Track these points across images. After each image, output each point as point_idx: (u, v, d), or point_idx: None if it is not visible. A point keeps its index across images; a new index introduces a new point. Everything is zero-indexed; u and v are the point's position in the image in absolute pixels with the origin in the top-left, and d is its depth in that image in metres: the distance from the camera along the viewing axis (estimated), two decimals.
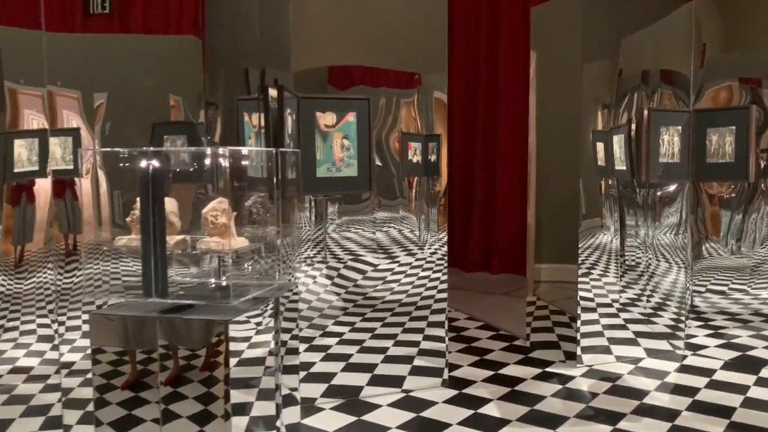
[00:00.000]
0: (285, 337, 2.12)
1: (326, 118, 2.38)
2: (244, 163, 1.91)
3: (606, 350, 3.07)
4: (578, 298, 3.03)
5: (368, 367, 2.78)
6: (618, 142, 3.08)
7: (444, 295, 2.84)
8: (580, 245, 3.07)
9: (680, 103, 3.10)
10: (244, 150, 2.02)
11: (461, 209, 5.53)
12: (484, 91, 5.36)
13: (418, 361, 2.82)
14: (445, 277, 2.85)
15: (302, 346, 2.80)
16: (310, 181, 2.37)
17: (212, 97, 2.34)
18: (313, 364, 2.75)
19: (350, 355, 2.80)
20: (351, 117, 2.42)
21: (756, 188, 2.98)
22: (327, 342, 2.83)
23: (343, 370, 2.75)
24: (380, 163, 2.62)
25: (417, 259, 2.82)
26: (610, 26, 3.24)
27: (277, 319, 2.00)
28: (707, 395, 2.59)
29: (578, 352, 3.00)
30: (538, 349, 3.24)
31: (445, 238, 2.84)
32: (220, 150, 1.79)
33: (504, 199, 5.23)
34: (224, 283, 1.88)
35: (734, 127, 2.87)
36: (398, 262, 2.81)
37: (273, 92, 2.06)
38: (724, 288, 3.33)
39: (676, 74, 3.14)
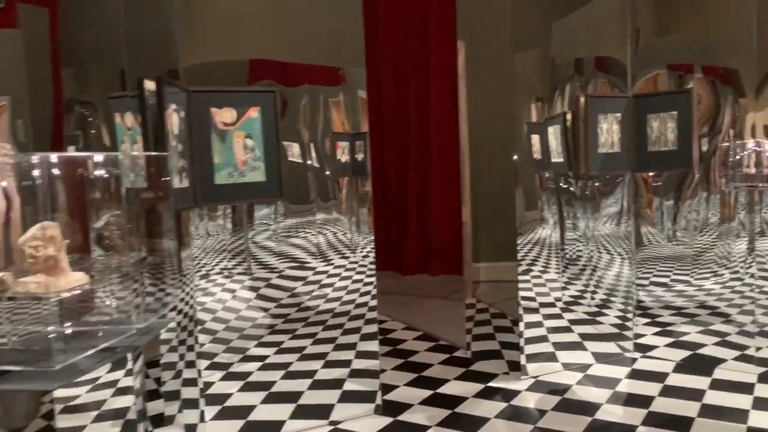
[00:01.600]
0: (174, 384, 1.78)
1: (224, 115, 2.05)
2: (103, 172, 1.55)
3: (551, 357, 2.84)
4: (519, 299, 2.80)
5: (293, 396, 2.46)
6: (554, 133, 2.88)
7: (375, 303, 2.56)
8: (519, 242, 2.85)
9: (616, 91, 2.90)
10: (103, 156, 1.65)
11: (397, 209, 5.26)
12: (416, 86, 5.10)
13: (350, 384, 2.52)
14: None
15: (217, 374, 2.48)
16: (207, 189, 2.02)
17: (84, 96, 1.97)
18: (229, 395, 2.42)
19: (273, 383, 2.49)
20: (254, 113, 2.09)
21: (693, 175, 2.82)
22: (247, 368, 2.51)
23: (264, 401, 2.43)
24: (317, 165, 2.40)
25: (350, 263, 2.55)
26: (540, 11, 3.04)
27: (136, 375, 1.63)
28: (662, 405, 2.38)
29: (522, 361, 2.76)
30: (480, 360, 2.98)
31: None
32: (54, 156, 1.41)
33: (441, 197, 4.97)
34: (68, 331, 1.49)
35: (676, 112, 2.68)
36: (332, 264, 2.53)
37: (150, 85, 1.71)
38: (666, 279, 3.17)
39: (611, 61, 2.95)
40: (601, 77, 2.94)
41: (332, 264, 2.59)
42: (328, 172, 2.48)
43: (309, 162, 2.42)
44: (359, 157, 2.47)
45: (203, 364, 2.49)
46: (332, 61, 2.41)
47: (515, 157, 2.85)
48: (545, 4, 3.06)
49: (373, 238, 2.55)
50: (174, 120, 1.83)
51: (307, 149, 2.39)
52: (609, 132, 2.75)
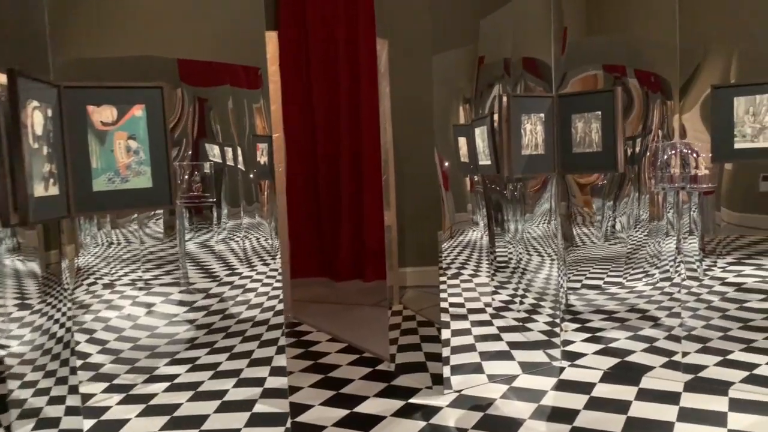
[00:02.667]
0: None
1: (103, 114, 1.83)
2: None
3: (477, 368, 2.71)
4: (445, 306, 2.68)
5: (197, 421, 2.26)
6: (480, 135, 2.76)
7: (279, 320, 2.39)
8: (447, 245, 2.73)
9: (541, 91, 2.80)
10: None
11: (329, 213, 5.08)
12: (347, 86, 4.93)
13: (260, 406, 2.34)
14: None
15: (115, 398, 2.27)
16: (83, 197, 1.80)
17: None
18: (125, 421, 2.21)
19: (177, 406, 2.28)
20: (138, 111, 1.87)
21: (624, 175, 2.75)
22: (151, 389, 2.31)
23: (164, 427, 2.22)
24: (243, 168, 2.29)
25: (271, 269, 2.40)
26: (468, 7, 2.92)
27: None
28: (587, 419, 2.27)
29: (447, 373, 2.62)
30: (403, 373, 2.83)
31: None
32: None
33: (374, 200, 4.81)
34: None
35: (600, 112, 2.59)
36: (256, 270, 2.39)
37: (1, 78, 1.49)
38: (600, 282, 3.10)
39: (536, 62, 2.85)
40: (529, 78, 2.84)
41: (238, 274, 2.41)
42: (251, 176, 2.34)
43: (232, 164, 2.29)
44: (263, 160, 2.30)
45: (101, 386, 2.28)
46: (233, 58, 2.23)
47: (445, 162, 2.73)
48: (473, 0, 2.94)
49: (277, 243, 2.39)
50: (37, 119, 1.60)
51: (229, 151, 2.27)
52: (533, 133, 2.64)
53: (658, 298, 2.78)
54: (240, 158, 2.35)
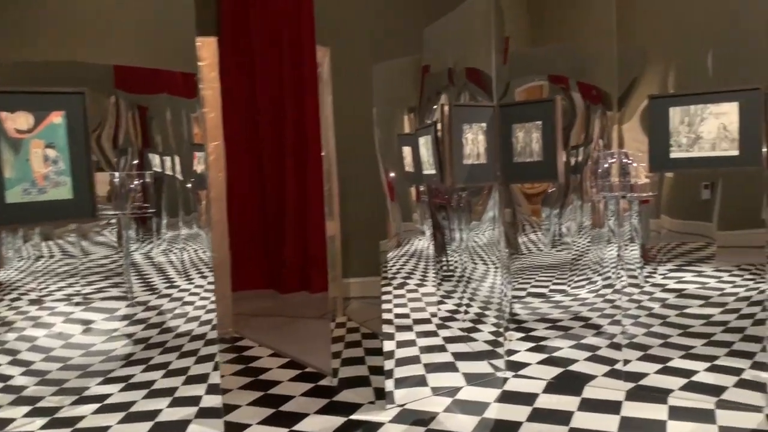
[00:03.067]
0: None
1: (17, 121, 1.71)
2: None
3: (421, 381, 2.67)
4: (391, 316, 2.62)
5: None
6: (425, 144, 2.73)
7: (213, 334, 2.30)
8: (393, 255, 2.68)
9: (483, 100, 2.79)
10: None
11: (275, 223, 4.97)
12: (291, 94, 4.85)
13: (194, 427, 2.24)
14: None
15: (37, 422, 2.14)
16: None
17: None
18: None
19: (106, 429, 2.17)
20: (56, 118, 1.76)
21: (568, 184, 2.75)
22: (79, 411, 2.18)
23: None
24: (181, 177, 2.22)
25: (209, 282, 2.32)
26: (409, 15, 2.89)
27: None
28: (529, 431, 2.25)
29: (389, 387, 2.57)
30: (346, 388, 2.76)
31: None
32: None
33: (320, 209, 4.73)
34: None
35: (540, 122, 2.59)
36: (194, 283, 2.32)
37: None
38: (545, 290, 3.10)
39: (480, 72, 2.84)
40: (472, 87, 2.83)
41: (177, 287, 2.32)
42: (188, 185, 2.26)
43: (170, 174, 2.22)
44: (199, 169, 2.21)
45: (22, 410, 2.14)
46: (164, 64, 2.14)
47: (391, 173, 2.68)
48: (416, 7, 2.91)
49: (211, 256, 2.31)
50: None
51: (168, 159, 2.20)
52: (475, 142, 2.62)
53: (601, 305, 2.79)
54: (178, 167, 2.26)
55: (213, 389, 2.28)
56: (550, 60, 2.88)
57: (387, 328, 2.64)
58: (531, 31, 3.05)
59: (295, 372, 3.03)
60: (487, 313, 2.94)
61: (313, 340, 3.54)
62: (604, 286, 2.77)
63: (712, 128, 2.28)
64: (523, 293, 3.02)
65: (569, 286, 2.98)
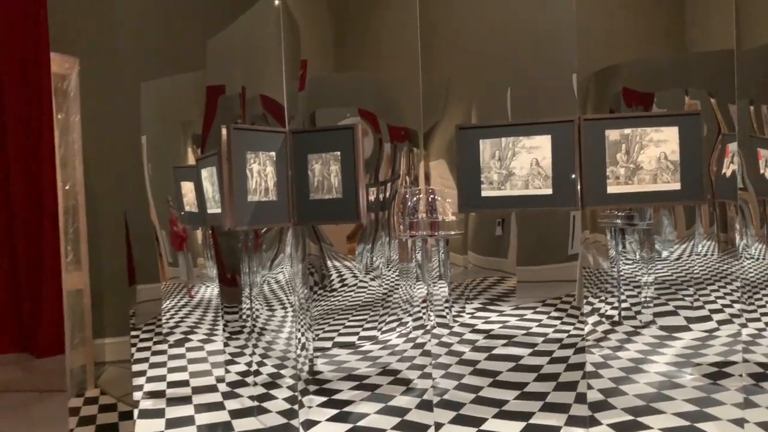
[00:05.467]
0: None
1: None
2: None
3: None
4: (163, 386, 2.13)
5: None
6: (208, 177, 2.26)
7: None
8: (165, 306, 2.35)
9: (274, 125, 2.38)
10: None
11: (29, 273, 4.10)
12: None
13: None
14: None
15: None
16: None
17: None
18: None
19: None
20: None
21: (378, 221, 2.45)
22: None
23: None
24: None
25: None
26: (188, 23, 2.44)
27: None
28: None
29: None
30: None
31: None
32: None
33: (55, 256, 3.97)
34: None
35: (339, 153, 2.22)
36: None
37: None
38: (354, 338, 2.73)
39: (268, 99, 2.42)
40: (267, 112, 2.41)
41: None
42: None
43: None
44: None
45: None
46: None
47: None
48: (196, 12, 2.46)
49: None
50: None
51: None
52: (261, 175, 2.18)
53: (411, 352, 2.52)
54: None
55: None
56: (355, 90, 2.56)
57: (146, 403, 2.11)
58: (336, 55, 2.70)
59: None
60: (283, 372, 2.49)
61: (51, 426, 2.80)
62: (415, 327, 2.51)
63: (524, 164, 2.06)
64: (328, 344, 2.64)
65: (380, 330, 2.67)
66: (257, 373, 2.48)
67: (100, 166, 2.37)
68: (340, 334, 2.70)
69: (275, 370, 2.50)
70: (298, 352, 2.54)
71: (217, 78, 2.44)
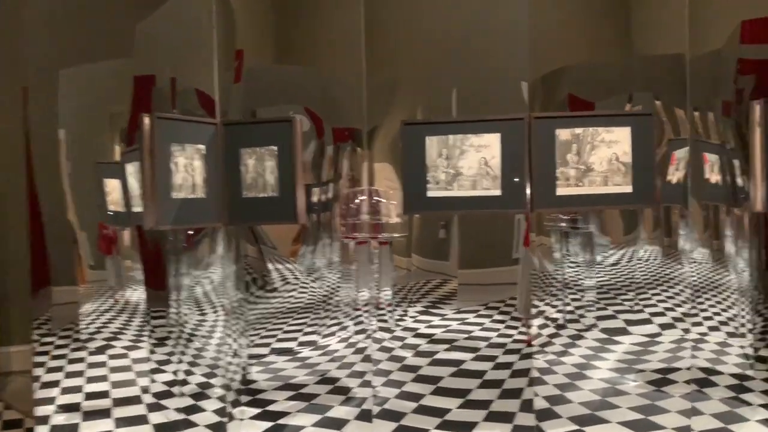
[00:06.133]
0: None
1: None
2: None
3: None
4: (78, 398, 2.08)
5: None
6: (134, 173, 2.09)
7: None
8: (83, 310, 2.19)
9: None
10: None
11: None
12: None
13: None
14: None
15: None
16: None
17: None
18: None
19: None
20: None
21: (320, 222, 2.36)
22: None
23: None
24: None
25: None
26: (110, 6, 2.29)
27: None
28: None
29: None
30: None
31: None
32: None
33: None
34: None
35: (275, 147, 2.08)
36: None
37: None
38: (293, 344, 2.59)
39: (199, 91, 2.26)
40: (194, 102, 2.25)
41: None
42: None
43: None
44: None
45: None
46: None
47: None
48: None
49: None
50: None
51: None
52: (189, 170, 2.01)
53: (351, 358, 2.43)
54: None
55: None
56: (297, 85, 2.42)
57: (59, 418, 1.96)
58: (278, 45, 2.55)
59: None
60: (212, 382, 2.33)
61: None
62: (357, 332, 2.43)
63: (472, 163, 1.97)
64: (265, 350, 2.49)
65: (321, 334, 2.54)
66: (184, 382, 2.32)
67: (5, 164, 2.18)
68: (278, 340, 2.57)
69: (205, 380, 2.34)
70: (230, 359, 2.39)
71: (145, 67, 2.27)
